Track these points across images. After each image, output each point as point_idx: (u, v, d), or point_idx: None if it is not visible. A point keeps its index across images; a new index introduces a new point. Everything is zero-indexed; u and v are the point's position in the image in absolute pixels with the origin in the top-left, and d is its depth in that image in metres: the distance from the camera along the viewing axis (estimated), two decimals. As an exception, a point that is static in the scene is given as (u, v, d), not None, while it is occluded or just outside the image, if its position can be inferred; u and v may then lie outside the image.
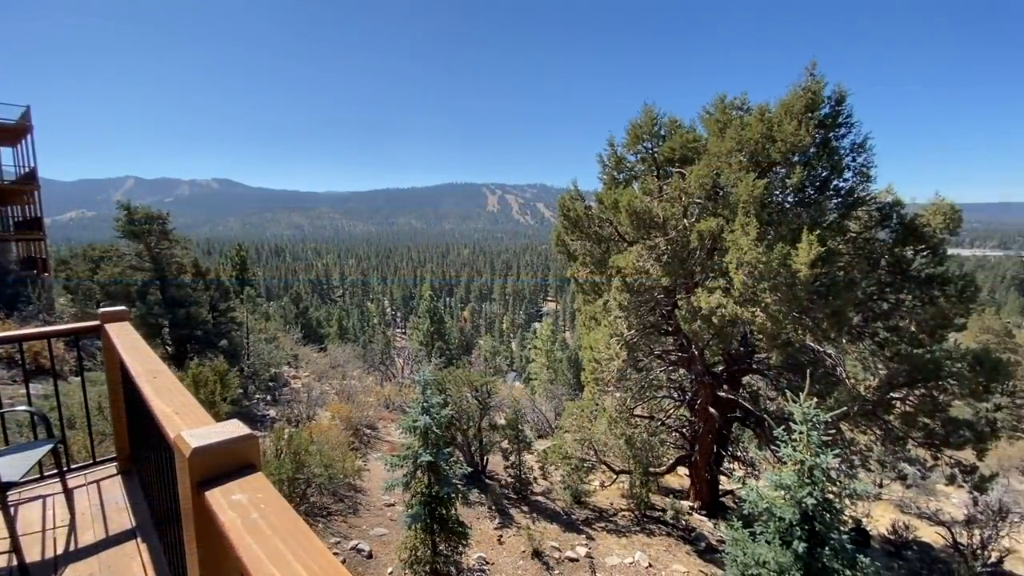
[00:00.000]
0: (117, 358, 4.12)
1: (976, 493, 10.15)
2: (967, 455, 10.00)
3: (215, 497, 2.01)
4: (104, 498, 4.42)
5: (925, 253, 10.28)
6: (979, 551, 9.63)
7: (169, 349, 16.06)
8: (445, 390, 12.68)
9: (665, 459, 14.29)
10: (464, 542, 8.99)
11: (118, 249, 16.28)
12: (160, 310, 15.67)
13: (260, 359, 18.07)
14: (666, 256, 10.72)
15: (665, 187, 11.50)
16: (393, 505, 11.32)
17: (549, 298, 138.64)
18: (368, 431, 15.67)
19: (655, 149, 12.64)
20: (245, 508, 1.95)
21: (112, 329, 4.36)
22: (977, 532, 9.66)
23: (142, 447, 4.07)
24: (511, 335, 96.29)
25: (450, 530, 8.86)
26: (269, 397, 17.02)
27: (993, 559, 9.69)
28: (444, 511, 8.82)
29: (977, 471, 9.83)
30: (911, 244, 10.37)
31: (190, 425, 2.41)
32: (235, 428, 2.23)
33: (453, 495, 8.86)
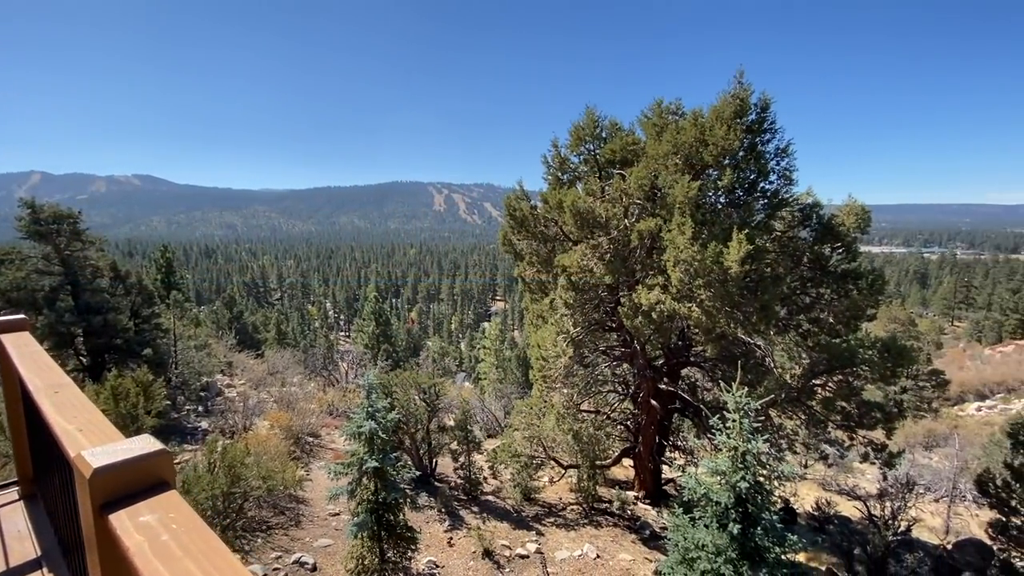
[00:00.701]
0: (15, 372, 3.76)
1: (886, 469, 11.16)
2: (878, 434, 10.96)
3: (120, 520, 1.89)
4: (4, 526, 4.04)
5: (841, 250, 11.19)
6: (890, 521, 10.61)
7: (84, 360, 15.05)
8: (391, 394, 12.71)
9: (611, 452, 14.85)
10: (413, 547, 9.03)
11: (20, 251, 14.94)
12: (72, 317, 14.58)
13: (190, 367, 17.34)
14: (609, 255, 11.26)
15: (607, 188, 12.05)
16: (338, 514, 11.24)
17: (498, 298, 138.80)
18: (310, 439, 15.43)
19: (597, 151, 13.18)
20: (154, 530, 1.84)
21: (8, 340, 4.00)
22: (888, 504, 10.64)
23: (46, 469, 3.78)
24: (460, 335, 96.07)
25: (398, 536, 8.89)
26: (201, 408, 16.43)
27: (902, 528, 10.70)
28: (392, 517, 8.84)
29: (887, 448, 10.79)
30: (828, 242, 11.27)
31: (95, 443, 2.23)
32: (145, 444, 2.09)
33: (401, 500, 8.89)
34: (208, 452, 10.11)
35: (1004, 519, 11.95)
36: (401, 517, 8.98)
